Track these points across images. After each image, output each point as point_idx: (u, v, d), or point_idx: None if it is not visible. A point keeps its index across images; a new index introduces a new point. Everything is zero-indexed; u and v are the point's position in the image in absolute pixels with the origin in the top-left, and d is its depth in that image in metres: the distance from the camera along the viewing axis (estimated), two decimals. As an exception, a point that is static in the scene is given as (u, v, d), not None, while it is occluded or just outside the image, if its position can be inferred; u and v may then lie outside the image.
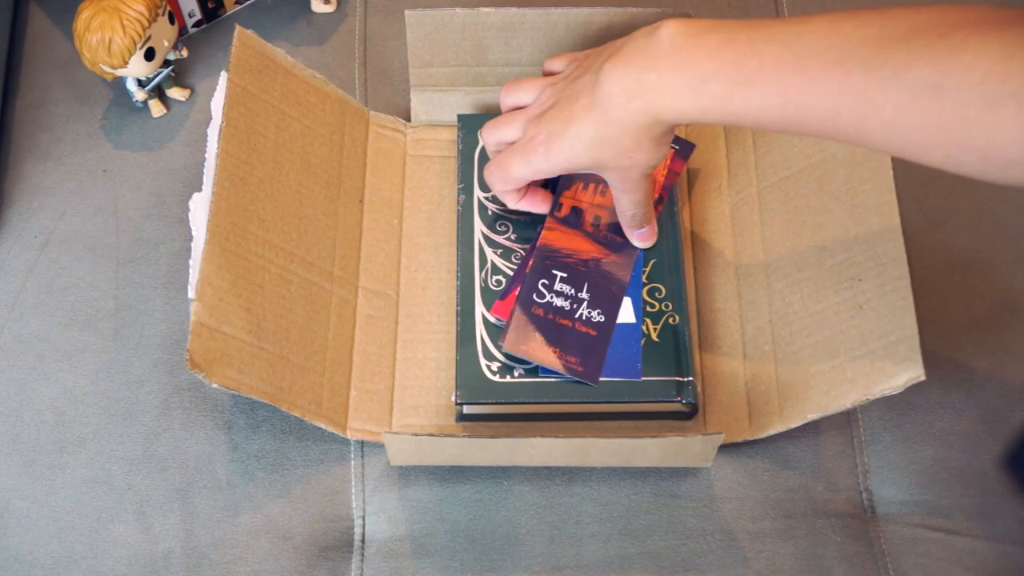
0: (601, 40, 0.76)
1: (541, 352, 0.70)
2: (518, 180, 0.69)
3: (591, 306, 0.72)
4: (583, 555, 0.70)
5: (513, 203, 0.73)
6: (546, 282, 0.72)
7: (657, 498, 0.71)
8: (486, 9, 0.76)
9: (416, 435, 0.65)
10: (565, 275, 0.73)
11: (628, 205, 0.70)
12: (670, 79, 0.57)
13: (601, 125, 0.61)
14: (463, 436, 0.67)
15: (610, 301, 0.72)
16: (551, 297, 0.72)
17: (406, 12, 0.76)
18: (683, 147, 0.78)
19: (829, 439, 0.74)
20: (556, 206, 0.75)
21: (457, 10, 0.76)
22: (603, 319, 0.72)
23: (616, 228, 0.74)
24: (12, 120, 0.85)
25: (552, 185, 0.76)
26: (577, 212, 0.75)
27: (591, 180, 0.75)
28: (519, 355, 0.71)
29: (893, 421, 0.74)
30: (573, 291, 0.72)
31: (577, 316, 0.72)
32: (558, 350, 0.70)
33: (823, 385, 0.67)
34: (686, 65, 0.56)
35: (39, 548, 0.71)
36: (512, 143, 0.69)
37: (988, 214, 0.80)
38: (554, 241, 0.74)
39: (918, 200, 0.80)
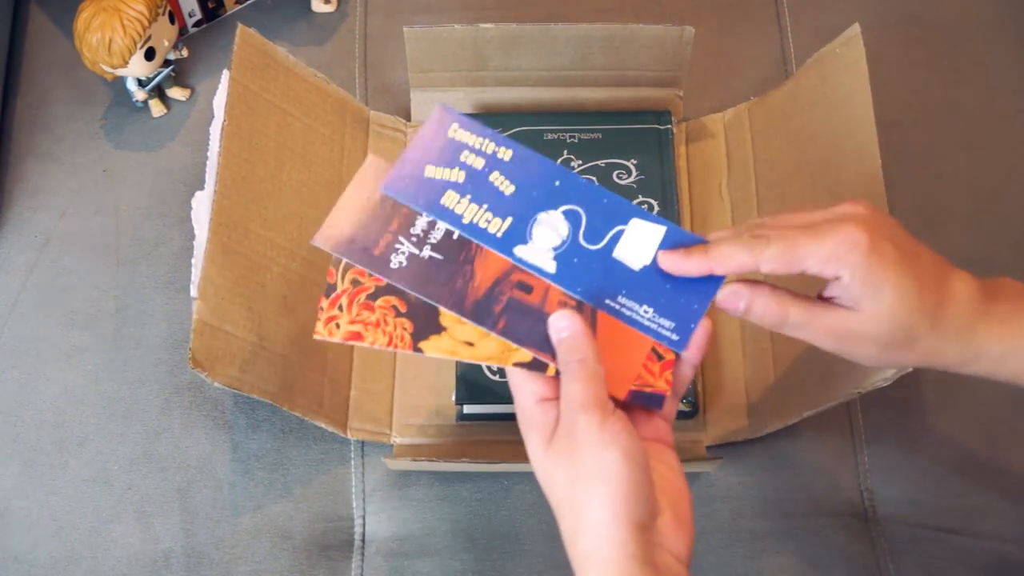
0: (601, 50, 0.77)
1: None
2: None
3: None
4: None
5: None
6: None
7: (657, 498, 0.71)
8: (485, 25, 0.76)
9: (416, 459, 0.66)
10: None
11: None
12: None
13: None
14: (463, 461, 0.68)
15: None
16: None
17: (404, 29, 0.76)
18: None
19: (829, 439, 0.74)
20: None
21: (456, 26, 0.76)
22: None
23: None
24: (12, 120, 0.85)
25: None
26: None
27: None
28: None
29: (893, 421, 0.74)
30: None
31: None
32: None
33: (817, 380, 0.67)
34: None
35: (39, 548, 0.70)
36: None
37: (988, 214, 0.80)
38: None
39: (918, 200, 0.80)
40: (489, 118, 0.81)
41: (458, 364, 0.72)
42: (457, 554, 0.70)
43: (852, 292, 0.50)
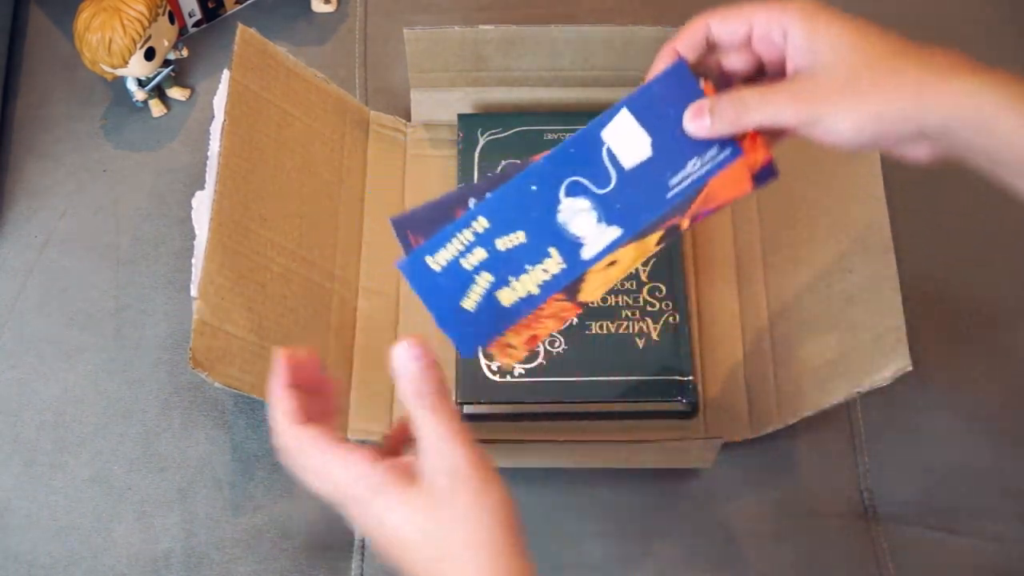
0: (601, 51, 0.77)
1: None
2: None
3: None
4: (583, 555, 0.70)
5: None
6: None
7: (657, 498, 0.71)
8: (485, 27, 0.76)
9: None
10: None
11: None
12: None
13: None
14: None
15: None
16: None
17: (405, 30, 0.76)
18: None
19: (829, 439, 0.74)
20: None
21: (456, 28, 0.76)
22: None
23: None
24: (12, 120, 0.85)
25: None
26: None
27: None
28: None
29: (893, 421, 0.74)
30: None
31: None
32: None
33: (817, 380, 0.67)
34: None
35: (39, 548, 0.70)
36: None
37: (988, 214, 0.80)
38: None
39: (918, 200, 0.80)
40: (489, 118, 0.81)
41: (458, 364, 0.72)
42: (457, 554, 0.70)
43: (805, 41, 0.49)
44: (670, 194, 0.52)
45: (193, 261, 0.72)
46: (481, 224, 0.53)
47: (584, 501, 0.71)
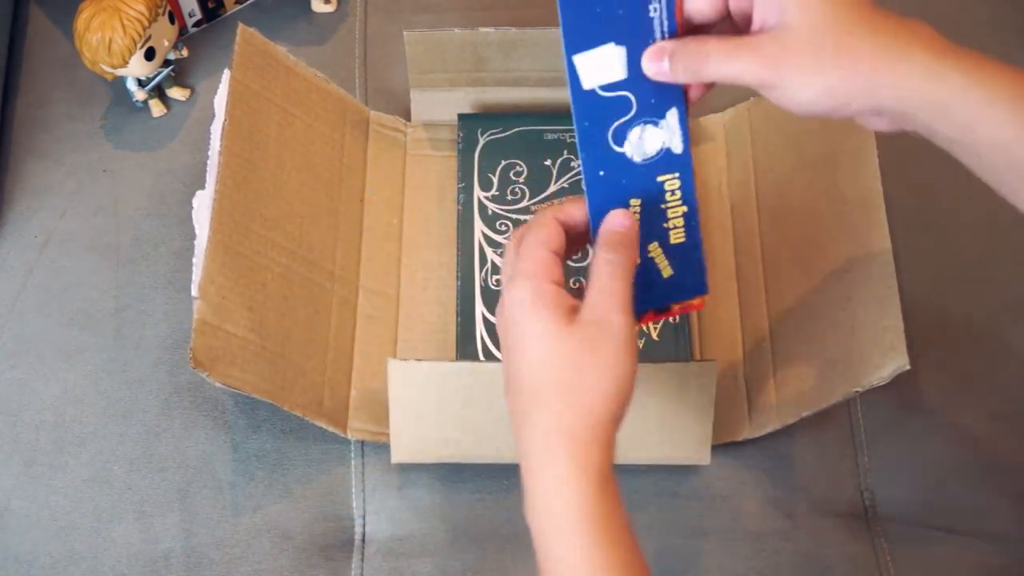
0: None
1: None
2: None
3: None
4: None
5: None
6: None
7: (657, 498, 0.71)
8: (485, 29, 0.76)
9: (419, 360, 0.66)
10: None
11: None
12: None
13: None
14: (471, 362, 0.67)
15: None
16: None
17: (404, 33, 0.77)
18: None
19: (829, 439, 0.74)
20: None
21: (456, 30, 0.76)
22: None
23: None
24: (12, 120, 0.85)
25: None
26: None
27: None
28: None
29: (893, 421, 0.74)
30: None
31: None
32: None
33: (816, 380, 0.67)
34: None
35: (39, 548, 0.70)
36: None
37: (988, 214, 0.80)
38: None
39: (918, 201, 0.80)
40: (489, 118, 0.81)
41: (458, 352, 0.72)
42: (457, 554, 0.70)
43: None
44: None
45: (194, 261, 0.72)
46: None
47: (584, 501, 0.71)
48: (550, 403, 0.48)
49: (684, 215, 0.55)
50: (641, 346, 0.72)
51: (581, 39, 0.51)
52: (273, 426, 0.74)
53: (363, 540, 0.71)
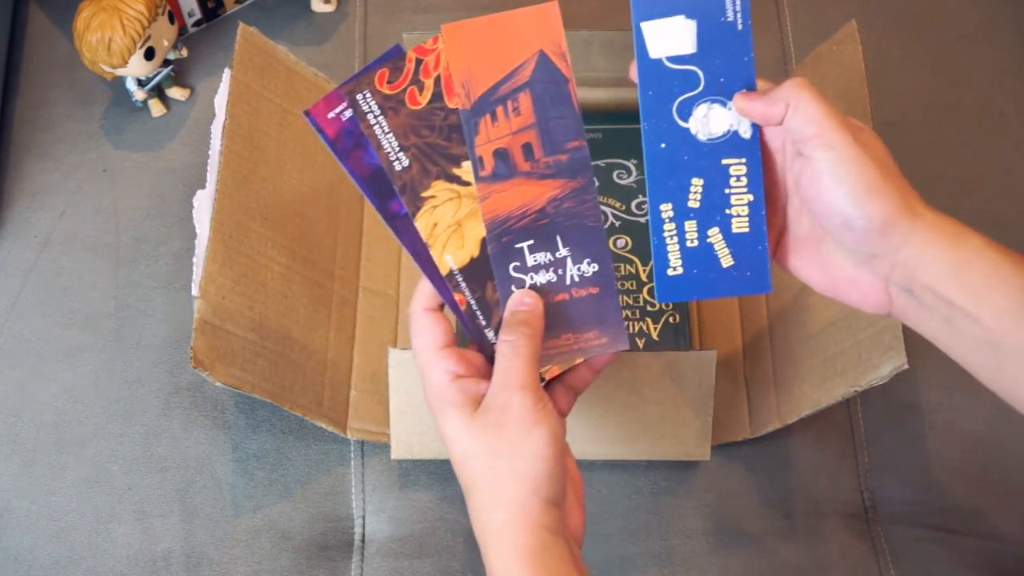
0: (601, 53, 0.76)
1: (556, 353, 0.55)
2: None
3: (576, 260, 0.55)
4: (583, 555, 0.70)
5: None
6: (518, 264, 0.55)
7: (657, 498, 0.71)
8: None
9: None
10: (532, 242, 0.55)
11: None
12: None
13: None
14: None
15: (593, 241, 0.55)
16: (531, 277, 0.55)
17: (404, 35, 0.76)
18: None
19: (829, 439, 0.74)
20: (477, 164, 0.54)
21: None
22: (597, 267, 0.55)
23: (553, 145, 0.55)
24: (12, 120, 0.85)
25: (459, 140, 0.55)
26: (503, 155, 0.54)
27: (497, 104, 0.54)
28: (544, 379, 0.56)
29: (893, 421, 0.74)
30: (549, 255, 0.55)
31: (568, 282, 0.55)
32: (570, 335, 0.55)
33: (816, 379, 0.67)
34: None
35: (39, 548, 0.70)
36: None
37: (988, 214, 0.80)
38: (498, 208, 0.54)
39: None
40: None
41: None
42: (457, 554, 0.70)
43: (800, 127, 0.48)
44: (740, 26, 0.51)
45: (194, 260, 0.72)
46: (667, 211, 0.53)
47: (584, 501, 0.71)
48: (479, 496, 0.50)
49: (750, 204, 0.53)
50: (641, 345, 0.72)
51: (650, 6, 0.50)
52: (273, 426, 0.74)
53: (363, 540, 0.71)
